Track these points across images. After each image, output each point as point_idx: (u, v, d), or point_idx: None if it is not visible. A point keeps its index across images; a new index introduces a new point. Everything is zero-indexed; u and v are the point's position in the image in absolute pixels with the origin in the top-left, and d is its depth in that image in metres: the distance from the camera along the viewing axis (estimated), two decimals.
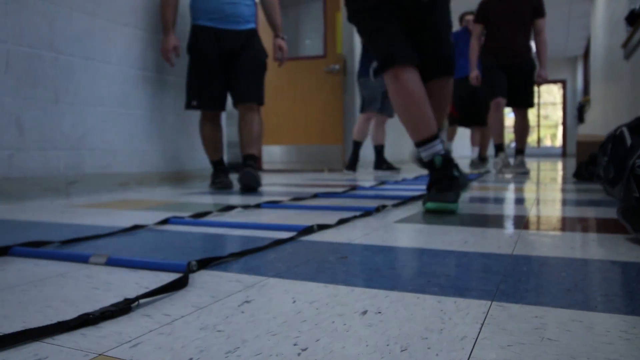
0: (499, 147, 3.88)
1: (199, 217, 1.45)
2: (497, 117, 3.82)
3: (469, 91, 4.60)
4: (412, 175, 3.75)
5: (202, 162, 3.02)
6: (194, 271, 0.80)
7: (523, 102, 3.79)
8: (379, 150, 4.52)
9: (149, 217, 1.49)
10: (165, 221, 1.36)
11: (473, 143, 5.07)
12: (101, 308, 0.59)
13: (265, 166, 5.20)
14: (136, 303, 0.63)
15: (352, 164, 4.29)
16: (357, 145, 4.31)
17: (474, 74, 3.99)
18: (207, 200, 2.04)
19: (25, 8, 1.98)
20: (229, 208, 1.62)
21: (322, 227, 1.22)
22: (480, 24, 3.88)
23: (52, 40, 2.09)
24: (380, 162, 4.52)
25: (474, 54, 3.99)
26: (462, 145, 11.03)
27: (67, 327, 0.54)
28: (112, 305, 0.60)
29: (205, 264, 0.83)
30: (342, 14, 4.84)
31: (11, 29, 1.93)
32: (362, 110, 4.30)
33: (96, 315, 0.57)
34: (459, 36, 4.63)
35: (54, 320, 0.57)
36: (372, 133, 4.48)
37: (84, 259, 0.89)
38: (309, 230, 1.16)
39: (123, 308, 0.60)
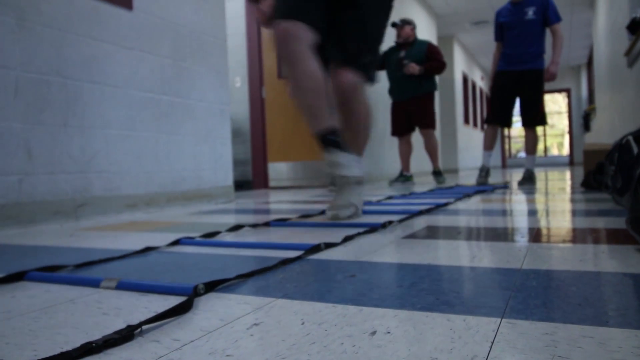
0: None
1: (208, 237, 1.46)
2: None
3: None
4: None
5: (208, 181, 3.04)
6: (201, 294, 0.80)
7: None
8: None
9: (159, 239, 1.49)
10: (176, 242, 1.36)
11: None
12: (104, 336, 0.59)
13: (272, 183, 5.21)
14: (139, 329, 0.63)
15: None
16: None
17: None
18: (215, 219, 2.05)
19: (33, 36, 2.02)
20: (238, 227, 1.62)
21: (329, 245, 1.22)
22: None
23: (59, 66, 2.13)
24: None
25: None
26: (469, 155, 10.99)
27: (71, 357, 0.54)
28: (115, 332, 0.60)
29: (214, 286, 0.83)
30: None
31: (20, 56, 1.97)
32: None
33: (99, 344, 0.57)
34: (508, 14, 3.95)
35: (65, 348, 0.57)
36: None
37: (95, 284, 0.89)
38: (316, 248, 1.16)
39: (126, 335, 0.60)
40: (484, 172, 4.11)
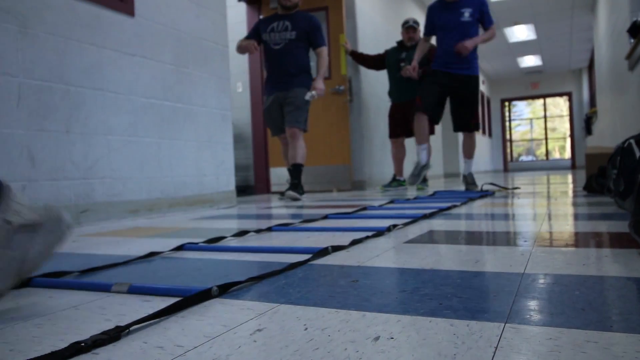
0: None
1: (213, 242, 1.46)
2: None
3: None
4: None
5: (210, 187, 3.04)
6: (216, 296, 0.81)
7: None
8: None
9: (163, 244, 1.49)
10: (180, 247, 1.36)
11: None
12: (92, 336, 0.61)
13: (274, 188, 5.22)
14: (126, 331, 0.64)
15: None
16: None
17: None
18: (218, 225, 2.05)
19: (36, 43, 2.03)
20: (242, 233, 1.63)
21: (336, 248, 1.22)
22: None
23: (62, 72, 2.14)
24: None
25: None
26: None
27: (62, 357, 0.56)
28: (103, 332, 0.62)
29: (227, 288, 0.85)
30: (346, 35, 4.90)
31: (22, 63, 1.98)
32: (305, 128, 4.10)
33: (88, 343, 0.59)
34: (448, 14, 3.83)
35: None
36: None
37: (106, 288, 0.90)
38: (323, 252, 1.16)
39: (113, 336, 0.62)
40: (418, 169, 3.94)
